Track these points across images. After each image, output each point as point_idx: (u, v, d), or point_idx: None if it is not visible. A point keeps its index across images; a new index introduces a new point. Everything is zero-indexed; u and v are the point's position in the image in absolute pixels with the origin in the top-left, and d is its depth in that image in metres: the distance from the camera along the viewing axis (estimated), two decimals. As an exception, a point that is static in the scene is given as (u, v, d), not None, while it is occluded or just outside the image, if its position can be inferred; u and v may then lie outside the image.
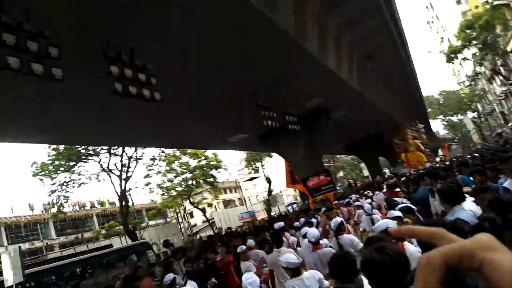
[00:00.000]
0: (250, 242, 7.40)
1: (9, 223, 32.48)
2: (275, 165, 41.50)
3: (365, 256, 1.81)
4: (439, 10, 55.82)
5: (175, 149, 27.35)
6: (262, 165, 36.52)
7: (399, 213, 4.90)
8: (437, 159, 29.52)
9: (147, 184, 29.10)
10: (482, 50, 32.66)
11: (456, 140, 61.62)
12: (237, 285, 7.04)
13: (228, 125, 14.86)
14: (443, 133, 70.42)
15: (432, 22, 64.35)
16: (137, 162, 24.84)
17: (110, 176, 23.85)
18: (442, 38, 59.79)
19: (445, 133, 69.99)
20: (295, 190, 24.41)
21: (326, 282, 3.92)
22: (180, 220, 40.30)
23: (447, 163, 17.38)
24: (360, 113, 19.75)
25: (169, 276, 5.23)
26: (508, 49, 31.54)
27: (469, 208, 3.05)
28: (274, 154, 33.11)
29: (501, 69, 33.72)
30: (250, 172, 38.28)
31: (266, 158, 35.73)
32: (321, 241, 5.33)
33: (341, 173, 59.76)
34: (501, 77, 35.96)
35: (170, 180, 29.75)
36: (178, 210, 39.71)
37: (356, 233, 7.93)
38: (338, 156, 55.16)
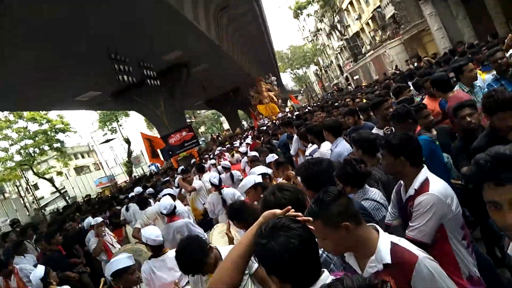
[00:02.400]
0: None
1: None
2: (133, 124, 39.19)
3: (266, 197, 1.85)
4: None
5: (7, 113, 22.80)
6: (120, 125, 33.95)
7: (266, 170, 4.24)
8: (287, 109, 32.46)
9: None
10: (322, 7, 36.25)
11: (301, 91, 68.94)
12: None
13: (77, 82, 12.88)
14: (291, 85, 77.78)
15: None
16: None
17: None
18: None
19: (293, 85, 77.48)
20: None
21: None
22: (22, 194, 34.86)
23: (296, 112, 19.18)
24: (219, 67, 19.87)
25: (40, 271, 3.55)
26: (343, 6, 35.86)
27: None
28: (132, 113, 31.10)
29: (338, 25, 38.29)
30: (106, 134, 35.20)
31: (123, 117, 33.24)
32: (177, 210, 4.71)
33: (202, 128, 60.65)
34: (337, 33, 40.93)
35: (5, 150, 24.98)
36: (19, 183, 34.11)
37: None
38: (199, 112, 55.47)
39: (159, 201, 5.59)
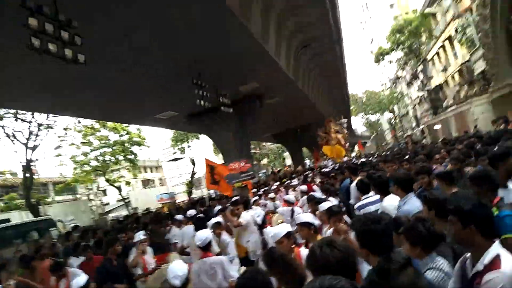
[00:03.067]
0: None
1: None
2: (201, 147, 40.78)
3: (314, 251, 1.72)
4: (373, 12, 59.37)
5: (93, 121, 25.10)
6: (189, 146, 35.53)
7: (313, 219, 3.77)
8: (353, 154, 31.52)
9: (57, 156, 26.40)
10: (406, 55, 35.38)
11: (371, 138, 66.78)
12: None
13: (159, 101, 13.88)
14: (361, 130, 75.90)
15: (366, 22, 68.29)
16: (48, 130, 22.33)
17: (14, 143, 21.07)
18: (372, 39, 63.79)
19: (363, 131, 75.53)
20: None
21: None
22: (91, 197, 37.64)
23: (363, 159, 18.44)
24: (291, 103, 20.02)
25: (82, 280, 3.60)
26: (428, 57, 34.64)
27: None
28: (202, 137, 32.45)
29: (420, 75, 36.95)
30: (175, 153, 37.00)
31: (193, 139, 34.79)
32: (212, 247, 4.43)
33: (265, 161, 61.15)
34: (419, 83, 39.46)
35: (85, 154, 27.37)
36: (90, 187, 36.97)
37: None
38: (264, 144, 56.23)
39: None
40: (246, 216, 6.10)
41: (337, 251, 1.64)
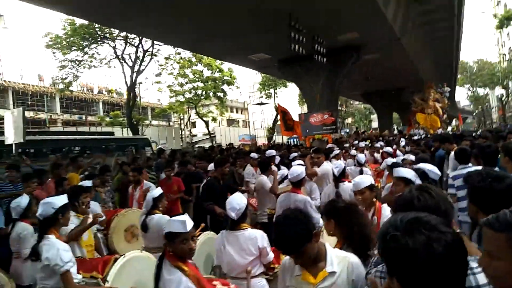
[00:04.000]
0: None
1: (17, 89, 32.73)
2: (287, 96, 40.80)
3: (412, 196, 1.57)
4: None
5: (191, 54, 26.43)
6: (276, 93, 35.80)
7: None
8: (449, 128, 28.84)
9: (157, 83, 28.78)
10: (538, 24, 29.99)
11: (474, 114, 59.90)
12: None
13: (253, 41, 13.98)
14: (464, 103, 68.29)
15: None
16: (152, 57, 24.21)
17: (122, 65, 23.40)
18: (499, 1, 54.69)
19: (466, 104, 67.88)
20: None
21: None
22: (182, 126, 40.77)
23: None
24: (390, 61, 18.67)
25: (156, 192, 3.90)
26: None
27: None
28: (290, 85, 32.32)
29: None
30: (262, 97, 37.67)
31: (281, 86, 34.87)
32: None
33: (349, 120, 59.21)
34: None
35: (181, 85, 29.36)
36: (182, 117, 39.94)
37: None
38: (351, 102, 54.08)
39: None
40: (325, 166, 5.90)
41: (435, 197, 1.55)
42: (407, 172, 3.24)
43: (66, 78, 23.70)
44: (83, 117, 37.17)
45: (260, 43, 14.37)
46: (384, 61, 18.26)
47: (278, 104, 14.02)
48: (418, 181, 2.83)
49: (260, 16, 11.15)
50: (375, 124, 49.38)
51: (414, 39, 18.33)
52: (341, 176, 4.64)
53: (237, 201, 2.93)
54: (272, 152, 7.89)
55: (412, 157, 5.75)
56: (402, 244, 0.94)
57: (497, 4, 55.12)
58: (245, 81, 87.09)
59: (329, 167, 5.81)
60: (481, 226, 1.13)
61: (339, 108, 38.46)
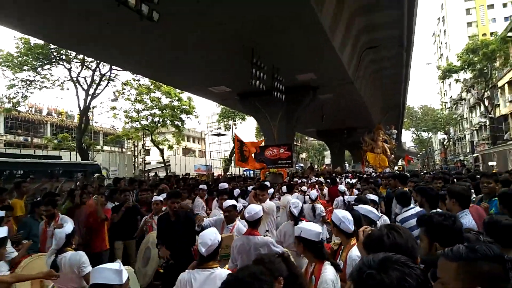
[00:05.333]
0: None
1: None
2: (246, 128, 41.23)
3: (382, 236, 1.66)
4: (449, 27, 55.94)
5: (149, 81, 26.17)
6: (234, 124, 36.11)
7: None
8: (396, 167, 30.46)
9: (112, 108, 27.95)
10: (475, 77, 33.25)
11: (418, 156, 63.94)
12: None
13: (215, 73, 14.22)
14: (409, 145, 72.83)
15: (438, 35, 64.68)
16: (109, 82, 23.67)
17: (76, 88, 22.59)
18: (442, 54, 60.43)
19: (411, 146, 72.42)
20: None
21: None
22: (136, 153, 39.53)
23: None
24: (343, 102, 19.68)
25: (69, 228, 3.57)
26: (499, 84, 32.30)
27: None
28: (248, 118, 32.78)
29: (486, 101, 34.67)
30: (219, 128, 37.78)
31: (239, 119, 35.31)
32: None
33: (304, 155, 60.79)
34: (482, 109, 37.04)
35: (138, 111, 28.74)
36: (136, 143, 38.83)
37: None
38: (306, 138, 55.79)
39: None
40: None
41: (402, 235, 1.63)
42: (368, 211, 3.38)
43: (14, 98, 22.38)
44: (29, 139, 34.92)
45: (221, 76, 14.61)
46: (338, 102, 19.20)
47: (235, 134, 14.05)
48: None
49: (223, 50, 11.43)
50: (328, 160, 51.04)
51: (366, 83, 19.58)
52: (300, 215, 4.59)
53: (209, 236, 2.71)
54: (224, 185, 7.72)
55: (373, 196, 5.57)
56: (378, 280, 0.99)
57: (440, 57, 60.83)
58: (204, 111, 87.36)
59: (272, 203, 5.97)
60: (435, 267, 1.28)
61: (295, 143, 39.45)
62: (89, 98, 22.44)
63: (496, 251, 1.22)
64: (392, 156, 28.60)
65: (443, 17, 59.37)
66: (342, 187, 7.91)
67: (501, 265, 1.20)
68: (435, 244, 1.97)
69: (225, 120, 35.85)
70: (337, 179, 12.42)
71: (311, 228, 2.67)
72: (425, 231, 2.06)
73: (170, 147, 34.22)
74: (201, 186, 7.74)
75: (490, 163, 25.87)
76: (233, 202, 4.71)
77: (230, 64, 12.78)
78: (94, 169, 19.52)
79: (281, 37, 10.55)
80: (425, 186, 4.73)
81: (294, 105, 16.46)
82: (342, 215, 2.94)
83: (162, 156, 33.02)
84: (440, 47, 63.54)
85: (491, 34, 39.28)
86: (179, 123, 30.04)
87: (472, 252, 1.20)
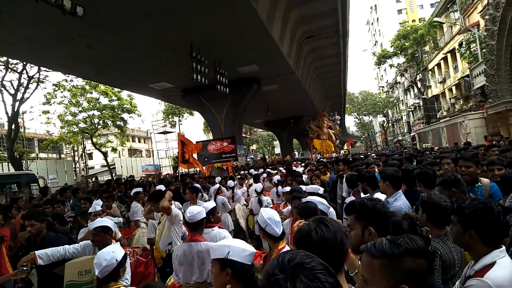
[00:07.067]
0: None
1: None
2: (193, 124, 40.50)
3: (310, 230, 1.57)
4: (381, 14, 58.85)
5: (84, 81, 24.57)
6: (180, 121, 35.26)
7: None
8: (342, 151, 31.73)
9: (45, 112, 25.91)
10: (408, 61, 35.42)
11: (361, 139, 67.28)
12: None
13: (154, 70, 13.65)
14: (353, 129, 76.25)
15: (372, 24, 67.87)
16: (38, 84, 21.87)
17: (1, 93, 20.62)
18: (376, 41, 63.51)
19: (355, 130, 75.88)
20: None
21: None
22: (76, 159, 37.22)
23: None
24: (288, 92, 19.95)
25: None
26: (429, 67, 34.72)
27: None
28: (195, 113, 32.19)
29: (418, 83, 37.11)
30: (165, 126, 36.70)
31: (185, 115, 34.53)
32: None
33: (254, 146, 61.20)
34: (416, 90, 39.63)
35: (74, 114, 26.88)
36: (76, 148, 36.51)
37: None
38: (255, 129, 56.15)
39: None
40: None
41: (330, 228, 1.55)
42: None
43: None
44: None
45: (161, 72, 14.09)
46: (282, 92, 19.44)
47: (179, 133, 13.67)
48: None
49: (161, 45, 10.99)
50: (278, 150, 51.90)
51: (308, 73, 20.01)
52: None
53: (105, 256, 2.32)
54: (161, 187, 6.89)
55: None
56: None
57: (375, 44, 63.93)
58: (147, 109, 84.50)
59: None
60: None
61: (244, 135, 39.56)
62: (17, 103, 20.58)
63: (420, 244, 1.18)
64: (338, 141, 29.75)
65: (375, 5, 62.33)
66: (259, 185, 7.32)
67: (426, 260, 1.17)
68: (369, 229, 1.94)
69: (170, 117, 34.89)
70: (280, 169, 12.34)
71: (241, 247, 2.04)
72: (356, 218, 2.01)
73: (114, 149, 32.63)
74: (136, 189, 7.03)
75: (424, 145, 27.81)
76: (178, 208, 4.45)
77: (169, 60, 12.35)
78: (29, 179, 18.01)
79: (219, 29, 10.35)
80: (362, 169, 4.89)
81: (239, 98, 16.40)
82: (268, 217, 2.57)
83: (106, 159, 31.36)
84: (374, 35, 66.75)
85: (420, 20, 41.90)
86: (121, 123, 28.62)
87: (396, 247, 1.16)
